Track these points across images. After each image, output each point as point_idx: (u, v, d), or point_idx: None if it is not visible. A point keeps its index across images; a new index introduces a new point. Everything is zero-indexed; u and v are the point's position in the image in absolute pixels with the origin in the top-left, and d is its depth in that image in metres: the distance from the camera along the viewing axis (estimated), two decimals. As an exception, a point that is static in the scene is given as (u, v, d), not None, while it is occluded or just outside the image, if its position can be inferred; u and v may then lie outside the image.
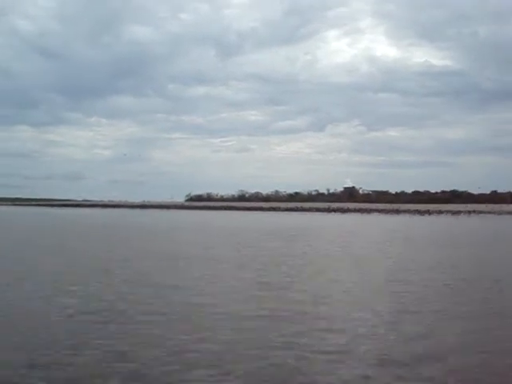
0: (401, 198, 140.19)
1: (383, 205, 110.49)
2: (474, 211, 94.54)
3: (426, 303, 10.47)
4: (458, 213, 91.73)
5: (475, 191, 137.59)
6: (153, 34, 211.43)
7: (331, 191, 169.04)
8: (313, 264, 17.01)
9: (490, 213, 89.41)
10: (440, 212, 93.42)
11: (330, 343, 7.46)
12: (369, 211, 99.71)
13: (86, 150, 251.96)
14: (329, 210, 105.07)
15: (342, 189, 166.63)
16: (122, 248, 21.88)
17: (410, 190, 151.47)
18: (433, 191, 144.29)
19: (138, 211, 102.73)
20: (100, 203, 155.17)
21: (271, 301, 10.50)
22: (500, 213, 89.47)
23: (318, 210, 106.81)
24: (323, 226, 48.42)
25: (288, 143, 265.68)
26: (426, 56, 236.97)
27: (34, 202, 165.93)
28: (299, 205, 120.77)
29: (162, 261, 17.34)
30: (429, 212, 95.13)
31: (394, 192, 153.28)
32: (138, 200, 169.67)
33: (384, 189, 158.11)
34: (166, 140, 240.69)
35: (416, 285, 12.78)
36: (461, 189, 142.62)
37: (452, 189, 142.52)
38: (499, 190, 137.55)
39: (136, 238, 29.21)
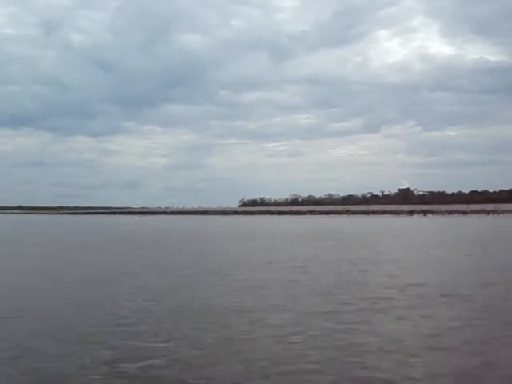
0: (457, 198, 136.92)
1: (437, 206, 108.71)
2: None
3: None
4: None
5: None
6: (204, 42, 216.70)
7: (385, 193, 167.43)
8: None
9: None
10: (497, 212, 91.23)
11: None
12: (423, 213, 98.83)
13: (143, 158, 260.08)
14: (377, 213, 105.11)
15: (396, 190, 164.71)
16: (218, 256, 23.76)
17: (467, 190, 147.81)
18: (491, 191, 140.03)
19: (195, 218, 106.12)
20: (157, 210, 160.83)
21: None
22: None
23: (367, 212, 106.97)
24: (366, 229, 49.03)
25: (342, 145, 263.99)
26: (481, 52, 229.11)
27: (92, 211, 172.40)
28: (347, 208, 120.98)
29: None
30: (485, 212, 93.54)
31: (450, 192, 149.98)
32: (194, 206, 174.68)
33: (441, 189, 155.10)
34: (220, 146, 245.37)
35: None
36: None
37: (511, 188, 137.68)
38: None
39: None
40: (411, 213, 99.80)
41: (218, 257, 20.98)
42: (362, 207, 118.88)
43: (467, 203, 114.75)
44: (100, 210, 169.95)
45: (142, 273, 15.88)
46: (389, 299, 10.94)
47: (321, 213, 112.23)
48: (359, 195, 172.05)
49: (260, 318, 9.19)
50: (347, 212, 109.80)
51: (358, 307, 10.10)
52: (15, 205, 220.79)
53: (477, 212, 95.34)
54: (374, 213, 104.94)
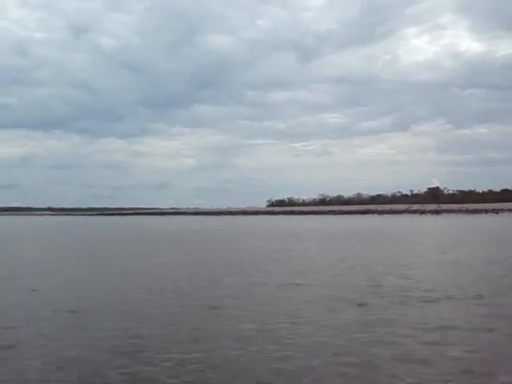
0: (488, 197, 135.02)
1: (465, 205, 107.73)
2: None
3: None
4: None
5: None
6: (231, 42, 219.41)
7: (414, 192, 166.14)
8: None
9: None
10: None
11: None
12: (449, 212, 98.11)
13: (171, 159, 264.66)
14: (400, 212, 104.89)
15: (425, 189, 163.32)
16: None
17: (499, 189, 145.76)
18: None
19: (223, 218, 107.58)
20: (186, 211, 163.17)
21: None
22: None
23: (394, 211, 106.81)
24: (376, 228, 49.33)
25: (371, 144, 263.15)
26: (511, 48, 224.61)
27: (122, 212, 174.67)
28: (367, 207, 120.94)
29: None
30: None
31: (481, 191, 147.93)
32: (222, 206, 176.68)
33: (473, 188, 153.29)
34: (249, 146, 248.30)
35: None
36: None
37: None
38: None
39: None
40: (437, 212, 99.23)
41: (238, 256, 22.03)
42: (386, 207, 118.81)
43: (498, 202, 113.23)
44: (130, 211, 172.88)
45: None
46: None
47: (343, 213, 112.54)
48: (388, 194, 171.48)
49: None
50: (370, 212, 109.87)
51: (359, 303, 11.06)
52: (46, 206, 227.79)
53: (509, 210, 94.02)
54: (397, 212, 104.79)
